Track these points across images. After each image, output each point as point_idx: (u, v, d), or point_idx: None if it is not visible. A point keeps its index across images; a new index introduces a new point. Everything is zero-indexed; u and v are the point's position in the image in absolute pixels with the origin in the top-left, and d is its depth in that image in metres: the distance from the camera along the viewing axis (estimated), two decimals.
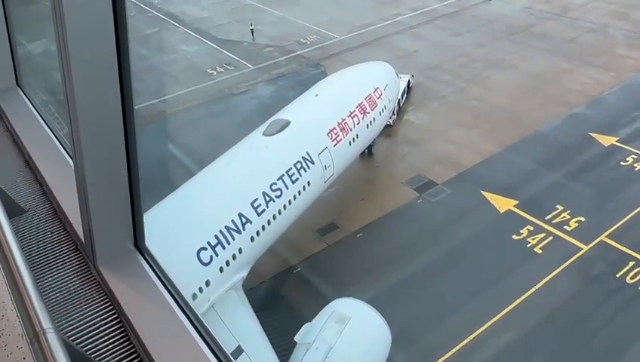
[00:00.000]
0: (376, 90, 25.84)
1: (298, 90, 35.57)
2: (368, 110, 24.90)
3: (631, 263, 22.32)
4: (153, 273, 4.38)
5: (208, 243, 16.83)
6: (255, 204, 18.58)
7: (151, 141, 30.12)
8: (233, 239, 17.47)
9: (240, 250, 17.71)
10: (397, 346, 19.35)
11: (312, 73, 37.56)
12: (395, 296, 21.32)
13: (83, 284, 4.51)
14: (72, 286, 4.50)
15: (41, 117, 6.90)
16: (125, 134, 4.18)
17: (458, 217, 25.14)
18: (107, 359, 3.89)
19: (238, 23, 45.01)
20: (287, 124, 21.64)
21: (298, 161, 20.63)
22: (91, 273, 4.60)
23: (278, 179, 19.70)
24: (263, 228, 18.67)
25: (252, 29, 42.26)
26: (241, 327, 15.72)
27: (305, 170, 20.67)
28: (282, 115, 22.98)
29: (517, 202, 25.63)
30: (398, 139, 30.92)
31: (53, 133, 6.47)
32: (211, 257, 16.70)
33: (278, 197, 19.38)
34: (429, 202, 26.14)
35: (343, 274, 22.50)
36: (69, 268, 4.68)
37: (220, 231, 17.30)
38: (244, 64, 38.82)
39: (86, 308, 4.29)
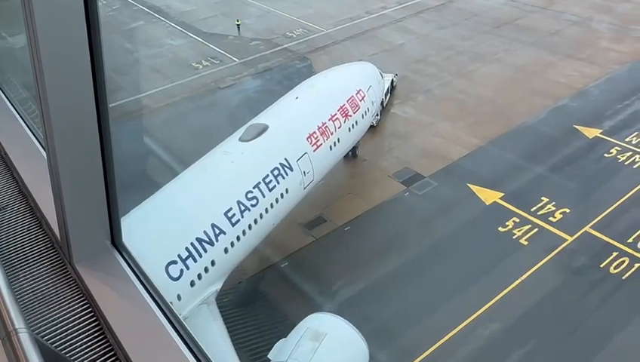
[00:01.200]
0: (358, 91, 25.21)
1: (285, 83, 35.54)
2: (350, 113, 24.26)
3: (614, 253, 22.60)
4: (130, 270, 4.32)
5: (179, 256, 16.18)
6: (229, 214, 17.91)
7: (135, 137, 29.88)
8: (205, 251, 16.81)
9: (213, 263, 17.06)
10: (383, 339, 19.52)
11: (298, 67, 37.43)
12: (382, 290, 21.41)
13: (59, 282, 4.44)
14: (48, 284, 4.43)
15: (18, 113, 6.78)
16: (100, 131, 4.11)
17: (445, 210, 25.26)
18: (83, 358, 3.83)
19: (223, 16, 44.67)
20: (264, 128, 20.97)
21: (275, 168, 19.98)
22: (67, 271, 4.53)
23: (254, 187, 19.04)
24: (238, 238, 18.02)
25: (238, 24, 41.87)
26: (211, 345, 15.12)
27: (283, 177, 20.07)
28: (260, 118, 22.26)
29: (503, 194, 25.80)
30: (384, 132, 30.94)
31: (30, 130, 6.35)
32: (182, 271, 16.08)
33: (253, 206, 18.72)
34: (416, 195, 26.23)
35: (330, 268, 22.52)
36: (44, 266, 4.60)
37: (192, 244, 16.61)
38: (230, 58, 38.56)
39: (62, 307, 4.22)
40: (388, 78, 31.77)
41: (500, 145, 29.22)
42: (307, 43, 40.34)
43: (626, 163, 27.79)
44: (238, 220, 18.08)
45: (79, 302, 4.25)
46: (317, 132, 22.22)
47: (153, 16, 45.12)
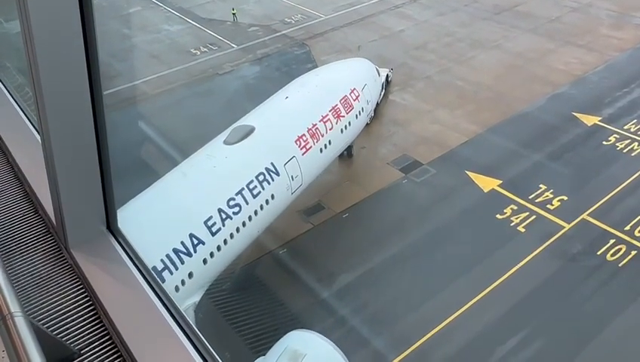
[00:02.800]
0: (352, 90, 24.18)
1: (283, 70, 35.40)
2: (343, 113, 23.26)
3: (611, 241, 22.68)
4: (126, 255, 4.33)
5: (154, 268, 15.46)
6: (209, 223, 17.10)
7: (133, 123, 29.79)
8: (182, 263, 16.08)
9: (190, 275, 16.39)
10: (381, 326, 19.66)
11: (297, 53, 37.23)
12: (380, 276, 21.50)
13: (55, 267, 4.45)
14: (44, 269, 4.44)
15: (13, 98, 6.74)
16: (94, 115, 4.09)
17: (443, 197, 25.30)
18: (79, 342, 3.85)
19: (221, 1, 44.32)
20: (251, 130, 20.06)
21: (261, 173, 19.12)
22: (63, 256, 4.53)
23: (236, 194, 18.17)
24: (219, 248, 17.22)
25: (234, 13, 41.20)
26: None
27: (268, 183, 19.21)
28: (247, 120, 21.27)
29: (501, 182, 25.82)
30: (383, 119, 30.87)
31: (26, 115, 6.33)
32: None
33: (236, 213, 17.85)
34: (415, 182, 26.24)
35: (328, 255, 22.60)
36: (40, 251, 4.61)
37: (168, 256, 15.90)
38: (228, 44, 38.33)
39: (57, 291, 4.24)
40: (383, 72, 30.84)
41: (499, 133, 29.18)
42: (306, 29, 40.09)
43: (624, 150, 27.79)
44: (219, 229, 17.24)
45: (75, 287, 4.27)
46: (306, 134, 21.29)
47: (150, 1, 44.73)
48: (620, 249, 22.32)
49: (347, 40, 38.38)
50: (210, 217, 17.28)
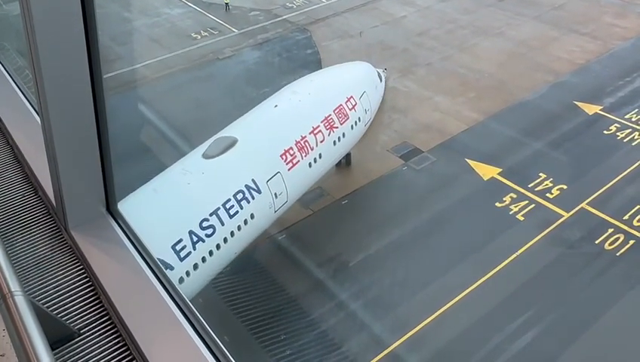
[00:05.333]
0: (349, 99, 22.45)
1: (284, 55, 35.24)
2: (337, 124, 21.57)
3: (610, 230, 22.75)
4: (125, 236, 4.36)
5: None
6: (178, 247, 15.86)
7: (133, 107, 29.72)
8: None
9: None
10: (380, 311, 19.81)
11: (298, 38, 37.01)
12: (379, 262, 21.62)
13: (55, 248, 4.48)
14: (44, 250, 4.47)
15: (13, 79, 6.72)
16: (94, 96, 4.09)
17: (443, 185, 25.32)
18: (78, 321, 3.90)
19: None
20: (233, 143, 18.61)
21: (240, 191, 17.67)
22: (63, 237, 4.56)
23: (211, 214, 16.78)
24: (187, 273, 16.09)
25: (227, 3, 40.03)
26: None
27: (248, 201, 17.76)
28: (230, 130, 19.70)
29: (501, 170, 25.82)
30: (384, 106, 30.66)
31: (25, 97, 6.32)
32: None
33: (209, 236, 16.52)
34: (414, 170, 26.25)
35: (327, 240, 22.68)
36: (40, 232, 4.64)
37: None
38: (229, 28, 38.09)
39: (57, 271, 4.27)
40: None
41: (500, 121, 29.12)
42: (307, 14, 39.81)
43: (624, 140, 27.76)
44: (189, 253, 16.03)
45: (74, 267, 4.30)
46: (294, 147, 19.72)
47: None
48: (619, 238, 22.40)
49: (349, 25, 38.13)
50: (180, 240, 16.00)
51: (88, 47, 3.92)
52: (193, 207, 16.87)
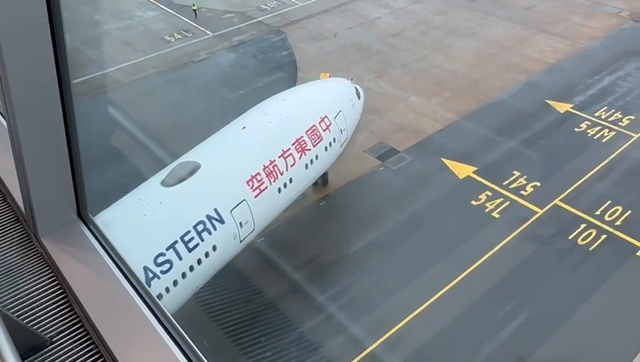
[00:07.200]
0: (323, 119, 21.37)
1: (259, 57, 35.14)
2: (309, 146, 20.51)
3: (582, 225, 23.21)
4: (97, 242, 4.29)
5: None
6: None
7: (105, 112, 29.31)
8: None
9: None
10: (358, 312, 19.85)
11: (273, 40, 36.96)
12: (357, 263, 21.67)
13: (25, 256, 4.38)
14: (13, 258, 4.36)
15: None
16: (62, 99, 4.01)
17: (419, 184, 25.54)
18: (50, 330, 3.81)
19: None
20: (195, 168, 17.48)
21: (200, 222, 16.49)
22: (33, 244, 4.46)
23: (168, 248, 15.68)
24: None
25: (195, 10, 39.02)
26: None
27: (209, 233, 16.61)
28: (194, 154, 18.59)
29: (476, 168, 26.15)
30: None
31: None
32: None
33: (165, 272, 15.45)
34: (391, 170, 26.42)
35: (305, 242, 22.66)
36: (9, 240, 4.53)
37: None
38: (203, 31, 37.83)
39: (28, 280, 4.18)
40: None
41: (474, 120, 29.50)
42: (282, 16, 39.78)
43: (595, 137, 28.36)
44: None
45: (46, 275, 4.21)
46: (262, 173, 18.61)
47: None
48: (591, 233, 22.86)
49: (323, 27, 38.23)
50: None
51: (55, 51, 3.85)
52: (148, 241, 15.61)
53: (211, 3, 41.14)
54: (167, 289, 15.62)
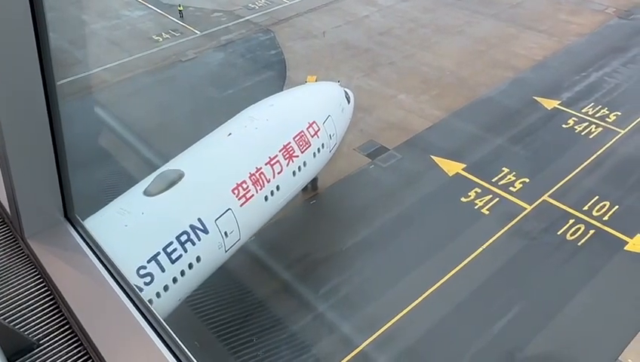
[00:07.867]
0: (311, 125, 20.81)
1: (248, 56, 35.04)
2: (297, 153, 19.95)
3: (571, 221, 23.41)
4: (85, 244, 4.25)
5: None
6: None
7: (92, 112, 29.09)
8: None
9: None
10: (348, 310, 19.88)
11: (261, 39, 36.88)
12: (347, 261, 21.71)
13: (11, 258, 4.33)
14: (0, 260, 4.31)
15: None
16: (47, 100, 3.97)
17: (409, 182, 25.63)
18: (37, 332, 3.78)
19: None
20: (178, 177, 16.98)
21: (184, 233, 16.03)
22: (19, 246, 4.42)
23: (149, 261, 15.23)
24: None
25: (181, 10, 38.79)
26: None
27: (193, 243, 16.15)
28: (177, 162, 18.13)
29: (465, 165, 26.28)
30: None
31: None
32: None
33: (147, 284, 15.02)
34: (381, 168, 26.47)
35: (295, 241, 22.66)
36: None
37: None
38: (191, 30, 37.65)
39: (15, 282, 4.13)
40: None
41: (463, 117, 29.63)
42: (270, 15, 39.70)
43: (582, 133, 28.60)
44: None
45: (32, 276, 4.17)
46: (248, 181, 18.06)
47: None
48: (579, 228, 23.07)
49: (312, 26, 38.20)
50: None
51: (39, 51, 3.81)
52: (130, 253, 14.96)
53: (199, 2, 40.97)
54: (150, 302, 15.18)
